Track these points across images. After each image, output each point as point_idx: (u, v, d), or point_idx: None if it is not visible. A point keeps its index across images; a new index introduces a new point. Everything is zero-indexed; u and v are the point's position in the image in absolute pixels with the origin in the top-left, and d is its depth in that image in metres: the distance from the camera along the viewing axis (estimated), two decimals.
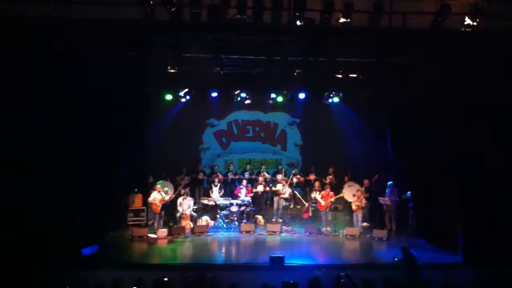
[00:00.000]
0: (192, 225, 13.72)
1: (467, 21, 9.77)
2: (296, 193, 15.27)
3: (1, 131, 10.17)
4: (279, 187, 14.83)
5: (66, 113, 10.54)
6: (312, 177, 16.06)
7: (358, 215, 13.89)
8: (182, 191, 14.21)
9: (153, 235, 13.11)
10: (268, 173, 16.51)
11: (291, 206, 15.06)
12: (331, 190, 14.30)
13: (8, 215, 10.05)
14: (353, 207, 13.93)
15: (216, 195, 14.89)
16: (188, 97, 14.87)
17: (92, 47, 10.20)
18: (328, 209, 14.02)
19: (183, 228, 13.45)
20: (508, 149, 10.75)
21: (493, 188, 10.75)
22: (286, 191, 14.64)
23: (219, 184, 15.26)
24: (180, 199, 13.90)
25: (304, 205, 14.73)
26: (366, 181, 14.72)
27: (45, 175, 10.37)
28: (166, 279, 7.40)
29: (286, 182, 14.82)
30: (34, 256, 9.82)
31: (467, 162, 10.98)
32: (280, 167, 16.79)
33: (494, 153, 10.73)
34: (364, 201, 13.91)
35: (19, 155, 10.17)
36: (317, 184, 14.74)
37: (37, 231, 10.12)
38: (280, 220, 14.62)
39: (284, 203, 14.61)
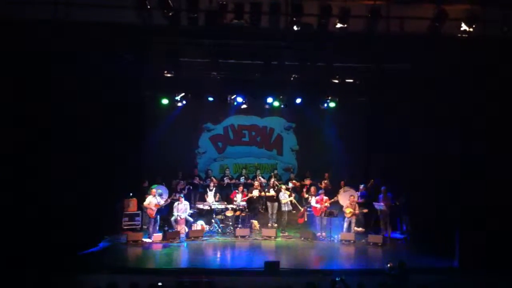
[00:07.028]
0: (187, 230, 13.68)
1: (463, 27, 9.79)
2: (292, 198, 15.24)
3: (1, 131, 10.14)
4: (272, 192, 14.87)
5: (64, 114, 10.56)
6: (307, 182, 16.05)
7: (351, 221, 13.86)
8: (177, 196, 14.17)
9: (148, 240, 13.06)
10: (263, 177, 16.48)
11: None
12: (327, 195, 14.27)
13: (6, 214, 10.01)
14: (347, 213, 13.87)
15: (211, 200, 14.84)
16: (184, 102, 14.88)
17: (90, 49, 10.20)
18: (323, 214, 13.98)
19: (178, 232, 13.41)
20: (507, 150, 10.77)
21: (491, 189, 10.76)
22: (286, 197, 14.63)
23: (214, 189, 15.21)
24: (175, 204, 13.86)
25: (300, 210, 14.71)
26: (361, 186, 14.74)
27: (44, 175, 10.36)
28: (160, 283, 7.37)
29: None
30: (30, 257, 9.75)
31: (465, 164, 11.00)
32: (275, 171, 16.77)
33: (492, 155, 10.75)
34: (357, 207, 13.89)
35: (18, 155, 10.14)
36: (312, 189, 14.75)
37: (34, 231, 10.08)
38: (275, 225, 14.60)
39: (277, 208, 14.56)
